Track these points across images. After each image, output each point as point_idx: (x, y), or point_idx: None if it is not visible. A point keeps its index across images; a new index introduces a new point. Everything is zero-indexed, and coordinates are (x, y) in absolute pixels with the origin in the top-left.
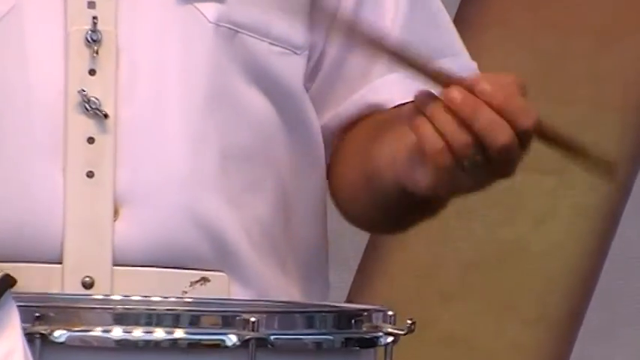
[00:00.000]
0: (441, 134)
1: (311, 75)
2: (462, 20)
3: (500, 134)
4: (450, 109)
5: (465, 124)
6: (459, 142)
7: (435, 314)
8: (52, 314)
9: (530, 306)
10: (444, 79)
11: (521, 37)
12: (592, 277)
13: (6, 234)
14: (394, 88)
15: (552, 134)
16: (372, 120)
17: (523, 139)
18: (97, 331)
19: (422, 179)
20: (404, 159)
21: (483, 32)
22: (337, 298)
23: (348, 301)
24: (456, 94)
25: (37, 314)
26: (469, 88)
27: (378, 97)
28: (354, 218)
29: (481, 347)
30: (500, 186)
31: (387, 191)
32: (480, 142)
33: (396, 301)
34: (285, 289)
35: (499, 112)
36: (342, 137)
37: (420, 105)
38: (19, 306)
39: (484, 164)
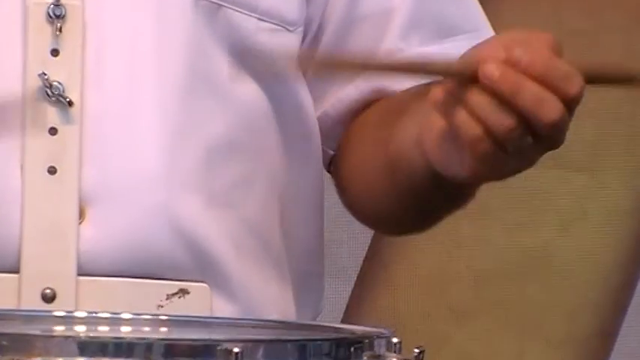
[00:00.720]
0: (479, 119)
1: (312, 42)
2: None
3: (549, 110)
4: (486, 88)
5: (505, 103)
6: (500, 126)
7: (445, 333)
8: (4, 342)
9: (556, 324)
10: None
11: (546, 12)
12: (626, 291)
13: None
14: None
15: (601, 76)
16: (383, 104)
17: (571, 106)
18: None
19: (460, 165)
20: (436, 142)
21: (504, 7)
22: (334, 312)
23: (346, 316)
24: (491, 69)
25: None
26: (506, 59)
27: (384, 81)
28: (370, 214)
29: None
30: (521, 184)
31: (415, 176)
32: (525, 122)
33: (401, 317)
34: (276, 302)
35: (542, 82)
36: (346, 126)
37: (448, 86)
38: None
39: (531, 144)
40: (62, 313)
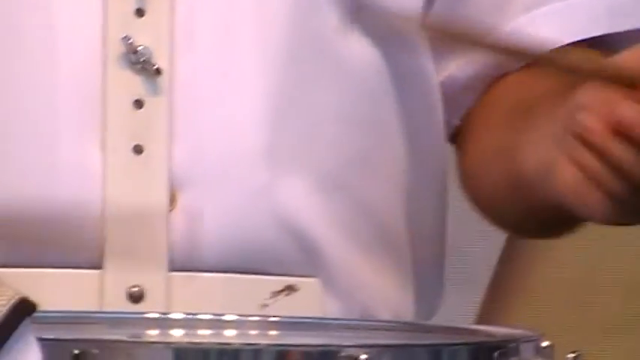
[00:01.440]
0: (616, 167)
1: (426, 5)
2: None
3: None
4: (623, 134)
5: None
6: None
7: (594, 349)
8: (95, 351)
9: None
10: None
11: None
12: None
13: (27, 231)
14: (542, 28)
15: None
16: (516, 89)
17: None
18: None
19: (596, 207)
20: (573, 186)
21: None
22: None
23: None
24: (628, 113)
25: (76, 351)
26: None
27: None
28: (484, 210)
29: None
30: None
31: (538, 205)
32: None
33: (542, 331)
34: (391, 299)
35: None
36: (477, 95)
37: (607, 115)
38: (47, 340)
39: None
40: (156, 315)
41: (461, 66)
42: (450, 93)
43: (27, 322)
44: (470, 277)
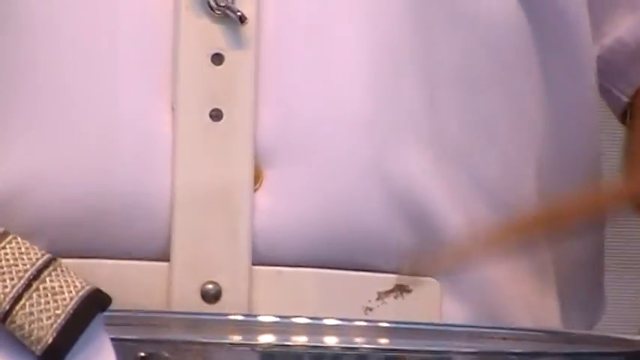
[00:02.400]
0: None
1: None
2: None
3: None
4: None
5: None
6: None
7: None
8: (165, 354)
9: None
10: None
11: None
12: None
13: (83, 214)
14: None
15: None
16: None
17: None
18: None
19: None
20: None
21: None
22: (627, 324)
23: None
24: None
25: (142, 354)
26: None
27: None
28: None
29: None
30: None
31: None
32: None
33: None
34: (529, 304)
35: None
36: None
37: None
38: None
39: None
40: (240, 317)
41: (632, 28)
42: (618, 61)
43: (99, 323)
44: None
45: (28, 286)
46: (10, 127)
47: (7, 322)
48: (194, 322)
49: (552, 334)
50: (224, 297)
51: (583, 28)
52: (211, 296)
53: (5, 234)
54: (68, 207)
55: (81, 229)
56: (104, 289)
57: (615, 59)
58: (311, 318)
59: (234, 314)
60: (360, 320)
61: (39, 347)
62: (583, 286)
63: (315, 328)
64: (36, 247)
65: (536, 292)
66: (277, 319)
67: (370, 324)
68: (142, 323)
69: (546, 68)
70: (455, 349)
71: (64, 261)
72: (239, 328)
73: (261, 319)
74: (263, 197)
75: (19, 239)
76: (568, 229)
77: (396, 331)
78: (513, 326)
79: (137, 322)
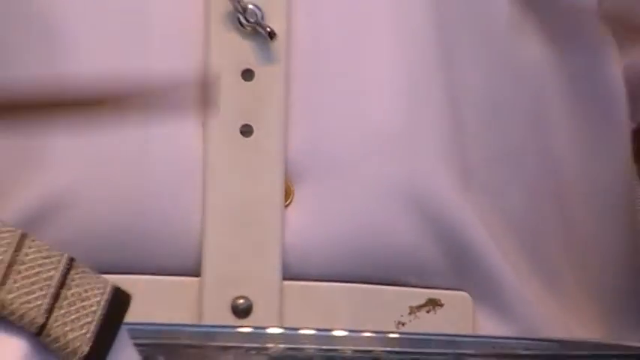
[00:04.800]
0: None
1: None
2: None
3: None
4: None
5: None
6: None
7: None
8: (160, 358)
9: None
10: None
11: None
12: None
13: (116, 231)
14: None
15: None
16: None
17: None
18: None
19: None
20: None
21: None
22: None
23: None
24: None
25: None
26: None
27: None
28: None
29: None
30: None
31: None
32: None
33: None
34: (562, 322)
35: None
36: None
37: None
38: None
39: None
40: (249, 330)
41: None
42: (633, 83)
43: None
44: None
45: (57, 295)
46: (48, 144)
47: (43, 336)
48: (213, 333)
49: (569, 344)
50: (255, 312)
51: (614, 63)
52: (241, 311)
53: (24, 236)
54: (102, 224)
55: (114, 245)
56: (136, 304)
57: (630, 80)
58: (316, 329)
59: (259, 328)
60: (368, 331)
61: (74, 358)
62: (607, 308)
63: (337, 340)
64: (51, 246)
65: (561, 309)
66: (283, 330)
67: (378, 335)
68: (169, 338)
69: (576, 104)
70: (465, 352)
71: None
72: (250, 337)
73: (268, 330)
74: (293, 213)
75: (37, 240)
76: None
77: (406, 341)
78: (524, 336)
79: (163, 337)
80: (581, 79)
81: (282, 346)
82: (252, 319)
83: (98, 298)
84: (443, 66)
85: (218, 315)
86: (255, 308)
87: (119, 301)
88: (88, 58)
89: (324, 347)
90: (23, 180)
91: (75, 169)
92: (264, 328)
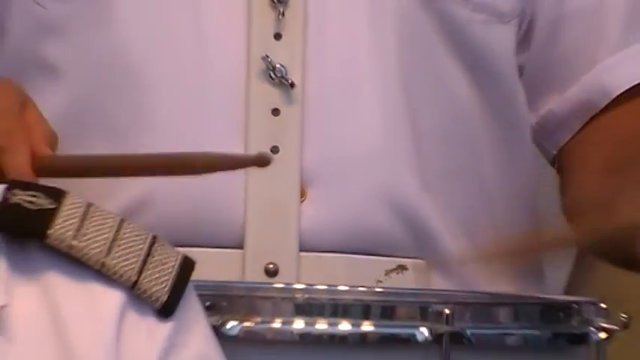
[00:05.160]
0: None
1: (520, 48)
2: None
3: None
4: None
5: None
6: None
7: None
8: (224, 303)
9: None
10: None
11: None
12: None
13: (182, 216)
14: (625, 68)
15: None
16: (612, 138)
17: None
18: (276, 324)
19: None
20: None
21: None
22: (553, 287)
23: (567, 291)
24: None
25: (208, 303)
26: None
27: (602, 81)
28: None
29: None
30: None
31: (619, 252)
32: None
33: (619, 297)
34: (491, 283)
35: None
36: (573, 131)
37: None
38: None
39: None
40: (281, 285)
41: (560, 103)
42: (549, 127)
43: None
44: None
45: (145, 261)
46: None
47: (135, 289)
48: (253, 287)
49: (498, 295)
50: (281, 273)
51: (525, 110)
52: (271, 273)
53: (122, 221)
54: (174, 214)
55: (183, 228)
56: (199, 268)
57: (547, 125)
58: (328, 285)
59: (278, 283)
60: (363, 286)
61: (157, 304)
62: (527, 274)
63: (332, 292)
64: (141, 228)
65: (486, 274)
66: (305, 286)
67: (369, 289)
68: (214, 286)
69: (497, 129)
70: (425, 300)
71: None
72: (280, 291)
73: (295, 286)
74: (306, 207)
75: (132, 223)
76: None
77: (387, 293)
78: (468, 289)
79: (211, 285)
80: (500, 111)
81: (305, 295)
82: (278, 279)
83: (173, 263)
84: (409, 109)
85: (255, 275)
86: (280, 271)
87: (187, 265)
88: (164, 103)
89: (332, 297)
90: (119, 186)
91: (155, 178)
92: (291, 284)
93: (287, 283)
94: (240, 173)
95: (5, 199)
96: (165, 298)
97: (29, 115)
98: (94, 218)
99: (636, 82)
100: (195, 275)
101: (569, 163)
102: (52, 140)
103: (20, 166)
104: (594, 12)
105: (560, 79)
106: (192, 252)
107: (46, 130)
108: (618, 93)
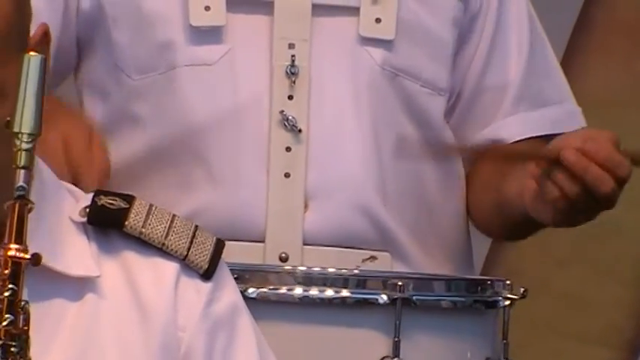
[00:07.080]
0: (559, 187)
1: (449, 112)
2: (571, 47)
3: (604, 185)
4: (565, 167)
5: (577, 178)
6: (573, 193)
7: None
8: (247, 276)
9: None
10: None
11: (619, 59)
12: None
13: (223, 220)
14: (514, 127)
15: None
16: (497, 154)
17: (621, 183)
18: (283, 290)
19: (545, 215)
20: (531, 199)
21: (588, 57)
22: (476, 268)
23: (484, 269)
24: (569, 154)
25: (235, 275)
26: (579, 148)
27: (500, 133)
28: (484, 231)
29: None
30: None
31: (515, 218)
32: (589, 192)
33: (521, 268)
34: (436, 270)
35: (602, 167)
36: (472, 165)
37: (541, 164)
38: None
39: (592, 205)
40: (289, 267)
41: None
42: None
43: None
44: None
45: (191, 241)
46: (192, 185)
47: (186, 260)
48: (269, 268)
49: (439, 275)
50: (290, 260)
51: (462, 170)
52: (284, 259)
53: (174, 215)
54: (219, 219)
55: (224, 228)
56: (229, 253)
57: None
58: (320, 267)
59: (287, 266)
60: (345, 269)
61: (200, 270)
62: (463, 261)
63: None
64: (188, 222)
65: (439, 263)
66: (305, 268)
67: (349, 271)
68: (241, 265)
69: (437, 168)
70: (390, 278)
71: None
72: (288, 271)
73: (298, 268)
74: (308, 215)
75: (181, 218)
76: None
77: (360, 273)
78: (422, 272)
79: (239, 265)
80: (446, 174)
81: (303, 272)
82: (288, 263)
83: (210, 243)
84: (377, 150)
85: (272, 261)
86: (290, 258)
87: (219, 244)
88: (211, 153)
89: (324, 273)
90: (179, 198)
91: (206, 197)
92: (296, 266)
93: (293, 266)
94: (263, 190)
95: (94, 202)
96: (206, 266)
97: (95, 143)
98: (155, 214)
99: (518, 139)
100: (230, 259)
101: (468, 184)
102: (107, 164)
103: (94, 184)
104: (499, 89)
105: (472, 130)
106: (229, 244)
107: (105, 157)
108: (508, 142)
